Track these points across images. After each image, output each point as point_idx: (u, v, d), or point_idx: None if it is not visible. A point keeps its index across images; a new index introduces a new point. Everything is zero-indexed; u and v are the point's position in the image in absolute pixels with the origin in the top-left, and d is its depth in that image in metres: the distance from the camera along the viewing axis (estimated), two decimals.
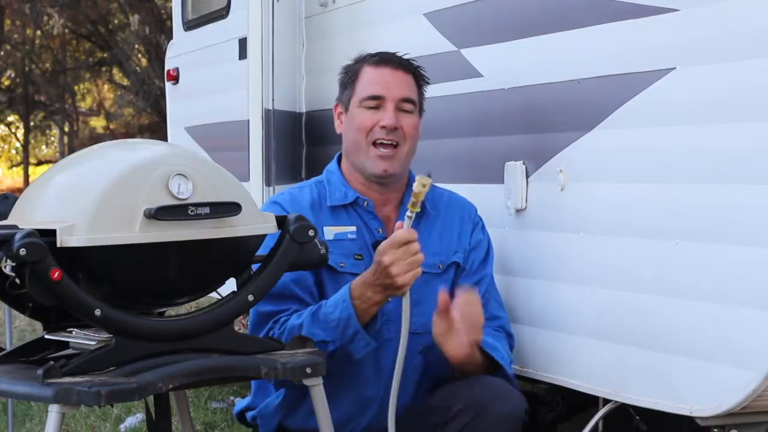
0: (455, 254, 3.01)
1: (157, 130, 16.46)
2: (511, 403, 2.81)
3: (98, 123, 22.78)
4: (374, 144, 2.94)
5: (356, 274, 2.83)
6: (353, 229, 2.97)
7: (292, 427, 2.97)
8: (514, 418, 2.79)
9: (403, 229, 2.68)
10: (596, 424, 2.98)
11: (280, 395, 2.99)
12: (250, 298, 2.45)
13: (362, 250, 2.96)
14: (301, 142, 4.41)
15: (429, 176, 2.63)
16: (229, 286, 2.49)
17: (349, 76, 3.02)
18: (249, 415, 3.08)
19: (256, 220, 2.44)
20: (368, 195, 3.00)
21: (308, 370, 2.45)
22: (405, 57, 3.04)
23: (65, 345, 2.47)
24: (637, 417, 3.04)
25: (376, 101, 2.95)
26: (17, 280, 2.28)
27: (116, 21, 18.05)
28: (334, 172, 3.05)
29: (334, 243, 2.91)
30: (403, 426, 2.94)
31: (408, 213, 2.66)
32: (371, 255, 2.89)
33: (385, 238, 2.91)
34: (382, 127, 2.92)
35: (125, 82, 18.51)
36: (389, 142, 2.93)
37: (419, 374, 2.97)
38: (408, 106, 2.96)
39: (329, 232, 2.95)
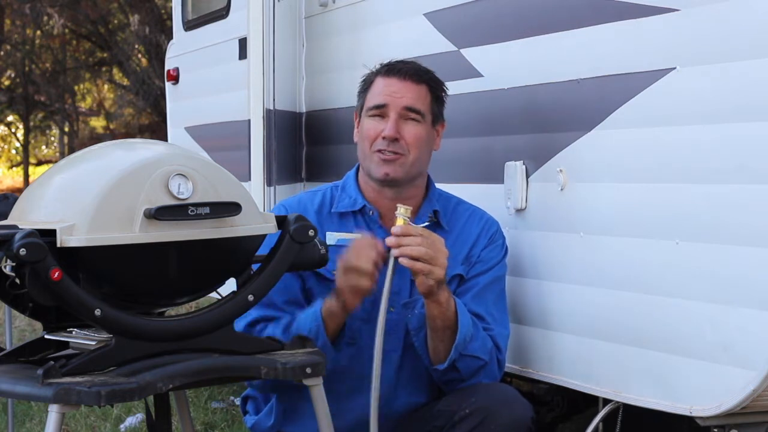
0: (460, 266, 3.00)
1: (157, 130, 16.46)
2: (518, 410, 2.81)
3: (98, 123, 22.79)
4: (379, 151, 2.95)
5: None
6: (358, 236, 2.97)
7: None
8: (520, 426, 2.79)
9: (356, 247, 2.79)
10: (596, 424, 2.98)
11: (274, 406, 2.99)
12: (250, 298, 2.45)
13: None
14: (301, 142, 4.41)
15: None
16: (229, 286, 2.49)
17: (364, 86, 3.04)
18: (248, 420, 3.08)
19: (256, 220, 2.44)
20: (380, 203, 3.00)
21: (308, 370, 2.45)
22: (422, 67, 3.01)
23: (65, 345, 2.47)
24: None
25: (380, 110, 2.95)
26: (17, 280, 2.28)
27: (116, 21, 18.06)
28: (351, 177, 3.06)
29: (335, 249, 2.91)
30: (408, 428, 2.94)
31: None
32: None
33: (389, 248, 2.93)
34: (384, 138, 2.93)
35: (125, 82, 18.51)
36: (391, 152, 2.93)
37: (395, 376, 2.98)
38: (413, 116, 2.95)
39: (332, 237, 2.95)
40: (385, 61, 3.04)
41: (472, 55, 3.35)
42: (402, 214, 2.76)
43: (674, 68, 2.64)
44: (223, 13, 5.00)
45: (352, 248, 2.77)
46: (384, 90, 2.96)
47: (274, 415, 2.99)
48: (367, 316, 2.95)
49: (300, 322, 2.82)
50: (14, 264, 2.24)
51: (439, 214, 3.01)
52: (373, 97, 2.98)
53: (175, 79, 5.61)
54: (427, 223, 2.88)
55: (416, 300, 2.87)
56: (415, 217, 2.97)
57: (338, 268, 2.78)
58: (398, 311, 2.94)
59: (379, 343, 2.70)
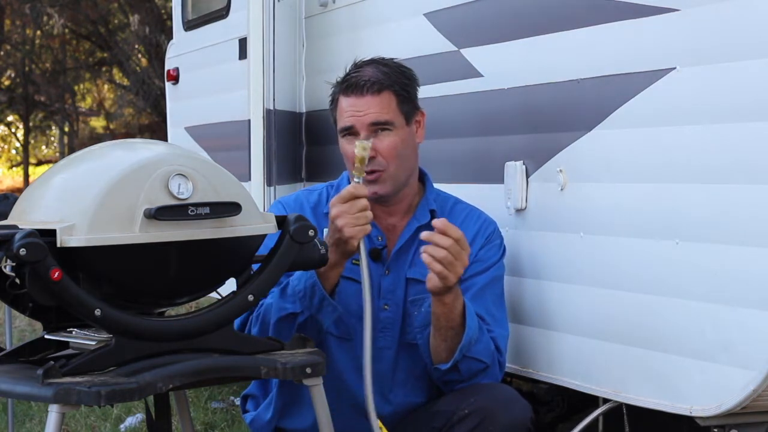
0: None
1: (157, 130, 16.47)
2: (517, 411, 2.80)
3: (98, 123, 22.79)
4: None
5: (350, 279, 2.85)
6: None
7: (288, 429, 2.98)
8: (519, 427, 2.79)
9: (351, 185, 2.79)
10: (596, 424, 2.98)
11: (273, 399, 2.99)
12: (250, 298, 2.45)
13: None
14: (301, 142, 4.42)
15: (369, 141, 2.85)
16: (229, 286, 2.49)
17: (332, 101, 3.02)
18: (247, 417, 3.08)
19: (256, 220, 2.44)
20: (372, 206, 2.99)
21: (308, 370, 2.45)
22: (382, 67, 2.96)
23: (65, 345, 2.47)
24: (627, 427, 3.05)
25: (349, 131, 2.94)
26: (17, 280, 2.28)
27: (116, 21, 18.06)
28: (345, 178, 3.06)
29: None
30: (407, 428, 2.94)
31: (355, 178, 2.79)
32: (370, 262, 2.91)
33: (385, 246, 2.93)
34: None
35: (125, 82, 18.51)
36: (372, 171, 2.92)
37: (392, 371, 2.98)
38: (382, 127, 2.92)
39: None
40: (344, 73, 3.00)
41: (472, 55, 3.35)
42: (359, 147, 2.79)
43: (674, 68, 2.64)
44: (223, 13, 5.00)
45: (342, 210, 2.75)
46: (347, 111, 2.94)
47: (272, 409, 2.99)
48: (362, 313, 2.95)
49: (293, 281, 2.82)
50: (14, 264, 2.24)
51: (436, 214, 3.01)
52: (340, 119, 2.96)
53: (175, 79, 5.62)
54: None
55: (424, 298, 2.87)
56: (412, 216, 2.98)
57: (332, 210, 2.76)
58: (393, 309, 2.94)
59: (368, 336, 2.70)
